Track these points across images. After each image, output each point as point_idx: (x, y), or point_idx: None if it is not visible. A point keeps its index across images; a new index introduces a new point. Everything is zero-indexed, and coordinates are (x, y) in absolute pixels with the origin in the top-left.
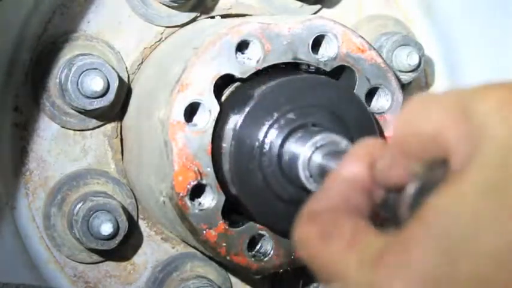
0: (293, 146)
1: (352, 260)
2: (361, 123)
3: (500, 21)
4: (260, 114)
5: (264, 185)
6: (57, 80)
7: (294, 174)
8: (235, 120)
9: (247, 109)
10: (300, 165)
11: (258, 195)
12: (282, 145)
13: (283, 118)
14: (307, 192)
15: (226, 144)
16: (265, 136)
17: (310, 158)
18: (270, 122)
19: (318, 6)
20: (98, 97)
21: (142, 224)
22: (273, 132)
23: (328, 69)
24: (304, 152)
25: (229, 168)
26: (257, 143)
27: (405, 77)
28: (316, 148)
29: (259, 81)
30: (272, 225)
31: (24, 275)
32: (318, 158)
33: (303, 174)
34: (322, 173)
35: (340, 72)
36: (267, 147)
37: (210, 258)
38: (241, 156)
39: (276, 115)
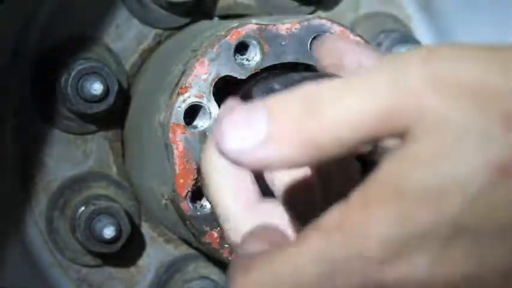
0: None
1: None
2: None
3: (500, 17)
4: None
5: None
6: (57, 85)
7: None
8: None
9: None
10: None
11: (264, 193)
12: None
13: None
14: None
15: None
16: None
17: None
18: None
19: (315, 6)
20: (97, 101)
21: (145, 226)
22: None
23: None
24: None
25: None
26: None
27: None
28: None
29: (259, 82)
30: None
31: (27, 279)
32: None
33: None
34: None
35: None
36: None
37: (213, 259)
38: None
39: None
